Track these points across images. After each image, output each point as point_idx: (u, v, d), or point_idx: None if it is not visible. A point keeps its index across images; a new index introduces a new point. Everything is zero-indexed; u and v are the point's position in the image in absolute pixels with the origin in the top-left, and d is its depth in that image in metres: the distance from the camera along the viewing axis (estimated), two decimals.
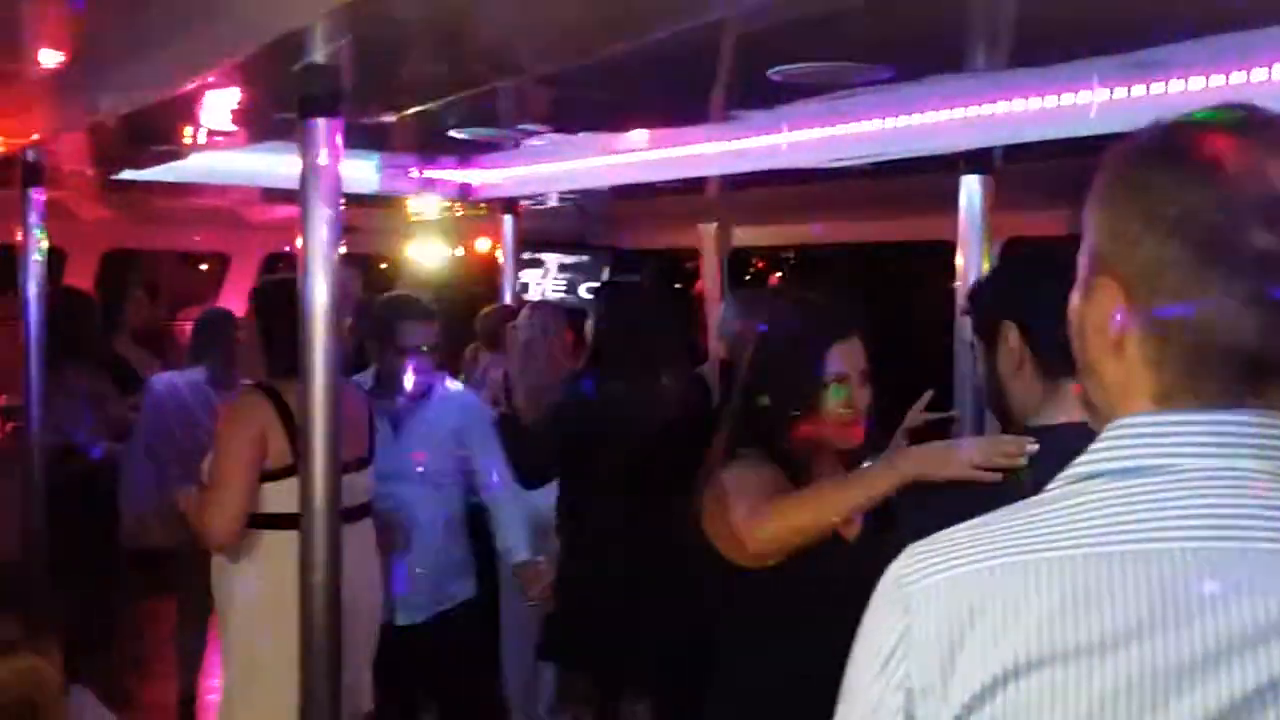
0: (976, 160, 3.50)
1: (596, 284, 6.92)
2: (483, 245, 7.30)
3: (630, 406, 3.73)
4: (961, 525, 0.93)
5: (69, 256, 6.66)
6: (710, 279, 6.55)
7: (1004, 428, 2.06)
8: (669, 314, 4.37)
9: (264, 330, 3.27)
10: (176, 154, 4.65)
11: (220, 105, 3.47)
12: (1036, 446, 1.88)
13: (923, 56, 3.12)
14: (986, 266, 3.52)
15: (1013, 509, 0.92)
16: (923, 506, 1.99)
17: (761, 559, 2.25)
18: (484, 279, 6.94)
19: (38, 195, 4.34)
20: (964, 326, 2.74)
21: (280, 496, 2.93)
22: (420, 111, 3.51)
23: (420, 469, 3.90)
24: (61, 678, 2.05)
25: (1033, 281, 1.99)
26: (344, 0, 2.12)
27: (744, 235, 6.65)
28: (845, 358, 2.39)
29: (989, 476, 1.91)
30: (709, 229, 6.52)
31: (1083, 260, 0.97)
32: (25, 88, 3.74)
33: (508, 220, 5.92)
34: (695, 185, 5.39)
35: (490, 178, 5.66)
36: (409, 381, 3.88)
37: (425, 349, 3.89)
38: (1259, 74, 2.78)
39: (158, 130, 4.04)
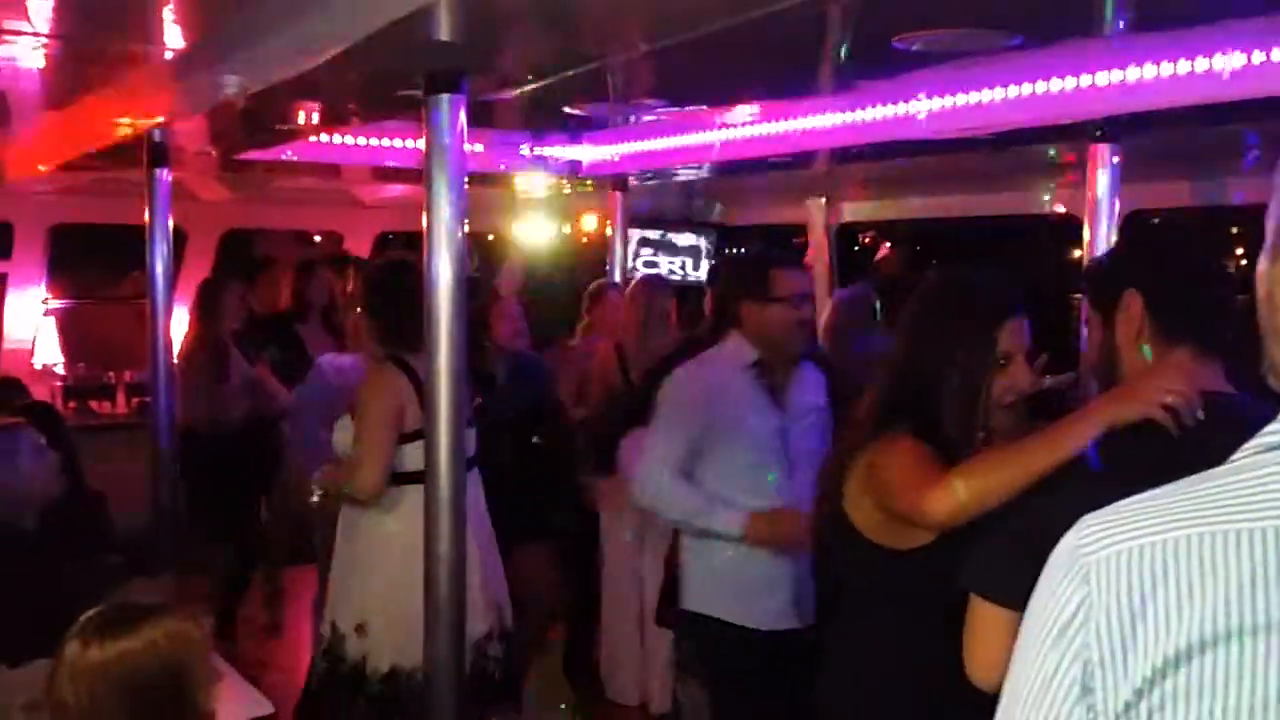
0: (1107, 129, 3.41)
1: (712, 260, 6.98)
2: (589, 223, 7.32)
3: None
4: (1140, 495, 0.90)
5: (189, 237, 6.83)
6: (818, 254, 6.49)
7: None
8: None
9: (376, 311, 3.57)
10: (297, 134, 4.72)
11: (343, 84, 3.52)
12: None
13: (1050, 23, 3.04)
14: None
15: (1195, 479, 0.89)
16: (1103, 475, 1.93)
17: (949, 522, 2.13)
18: (591, 256, 6.96)
19: (164, 176, 4.41)
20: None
21: (416, 455, 3.16)
22: (536, 87, 3.52)
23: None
24: (209, 641, 2.12)
25: (1159, 250, 2.13)
26: None
27: (852, 210, 6.58)
28: (1014, 336, 2.34)
29: (1168, 419, 1.86)
30: (817, 204, 6.46)
31: (1270, 225, 0.93)
32: (152, 70, 3.82)
33: (618, 197, 5.92)
34: (803, 160, 5.34)
35: (600, 154, 5.67)
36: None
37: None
38: None
39: (279, 110, 4.11)
